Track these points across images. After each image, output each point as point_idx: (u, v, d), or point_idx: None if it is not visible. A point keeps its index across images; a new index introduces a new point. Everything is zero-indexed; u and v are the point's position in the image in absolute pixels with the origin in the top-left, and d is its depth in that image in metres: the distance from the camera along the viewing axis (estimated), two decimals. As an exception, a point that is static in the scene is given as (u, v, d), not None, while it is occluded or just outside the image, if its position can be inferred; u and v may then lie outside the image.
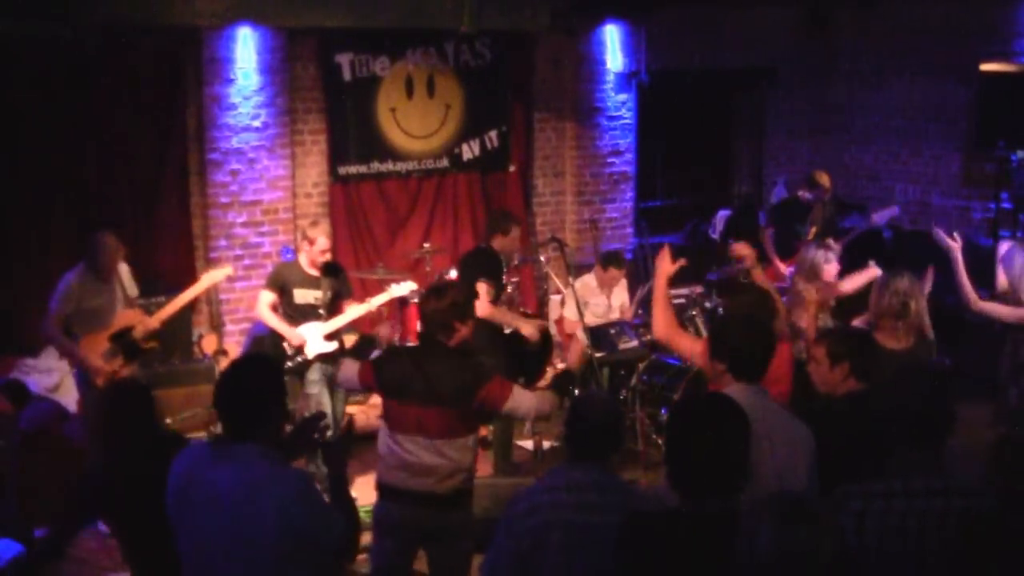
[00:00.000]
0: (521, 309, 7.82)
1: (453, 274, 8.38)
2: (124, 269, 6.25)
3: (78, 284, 5.96)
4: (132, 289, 6.35)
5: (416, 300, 8.38)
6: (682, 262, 4.79)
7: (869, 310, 5.11)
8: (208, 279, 6.69)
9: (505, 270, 6.97)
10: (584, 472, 3.33)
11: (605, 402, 3.64)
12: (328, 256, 6.73)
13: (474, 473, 4.52)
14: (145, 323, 6.09)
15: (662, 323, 4.59)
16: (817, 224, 8.49)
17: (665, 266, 4.69)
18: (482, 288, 6.48)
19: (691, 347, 4.65)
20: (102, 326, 6.02)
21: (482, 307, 6.35)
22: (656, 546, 2.81)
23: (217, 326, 7.75)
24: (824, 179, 8.58)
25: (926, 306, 5.05)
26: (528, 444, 7.19)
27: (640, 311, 7.99)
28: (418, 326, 4.62)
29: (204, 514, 3.13)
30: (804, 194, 8.65)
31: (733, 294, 5.09)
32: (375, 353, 5.87)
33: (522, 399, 4.40)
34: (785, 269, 8.01)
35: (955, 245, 5.84)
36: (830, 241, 5.97)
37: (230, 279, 8.35)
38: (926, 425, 3.17)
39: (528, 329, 6.85)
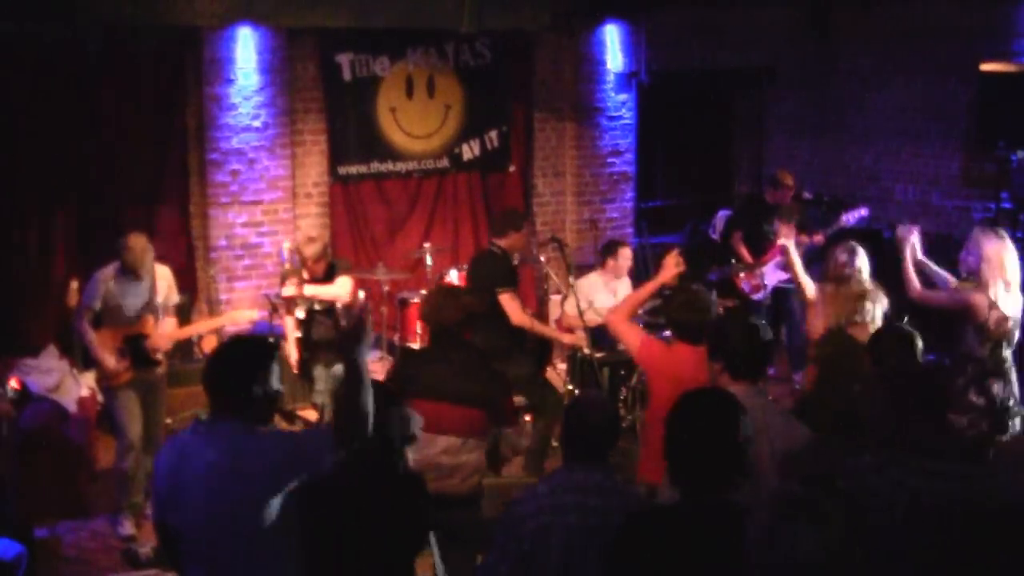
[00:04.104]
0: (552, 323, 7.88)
1: (453, 275, 8.40)
2: (164, 274, 6.21)
3: (105, 281, 5.98)
4: (173, 296, 6.31)
5: (417, 300, 8.41)
6: (682, 269, 4.95)
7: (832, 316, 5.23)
8: (230, 318, 6.80)
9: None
10: (586, 474, 3.32)
11: (602, 403, 3.65)
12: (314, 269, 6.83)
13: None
14: (156, 339, 6.11)
15: (621, 313, 4.86)
16: (785, 223, 8.53)
17: (669, 272, 4.89)
18: (507, 297, 6.31)
19: (634, 340, 4.77)
20: (123, 325, 6.04)
21: (515, 315, 6.32)
22: (656, 541, 2.82)
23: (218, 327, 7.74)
24: (788, 178, 8.70)
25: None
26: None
27: (641, 311, 8.01)
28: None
29: (195, 490, 3.22)
30: (769, 194, 8.75)
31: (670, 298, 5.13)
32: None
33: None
34: (764, 267, 8.30)
35: (909, 237, 5.95)
36: (854, 244, 5.94)
37: (230, 278, 8.38)
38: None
39: (569, 339, 6.85)
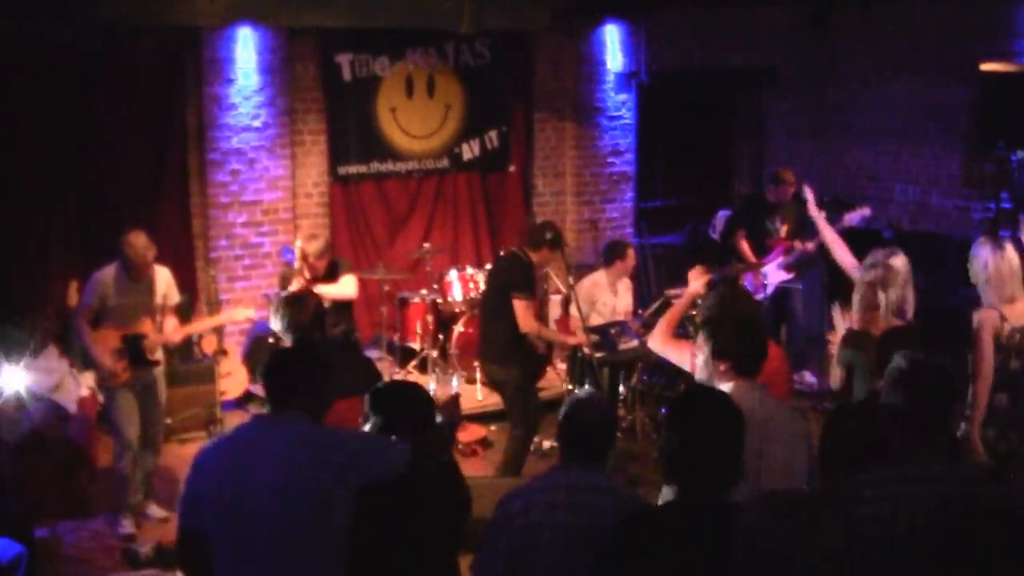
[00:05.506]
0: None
1: (453, 274, 8.40)
2: (164, 275, 6.21)
3: (104, 281, 5.98)
4: (173, 296, 6.31)
5: (417, 300, 8.42)
6: (709, 277, 4.95)
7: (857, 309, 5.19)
8: (227, 316, 6.84)
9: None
10: (582, 474, 3.31)
11: (600, 403, 3.62)
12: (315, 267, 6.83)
13: None
14: (155, 339, 6.10)
15: (662, 334, 4.67)
16: (788, 222, 8.54)
17: (697, 287, 4.86)
18: (521, 304, 6.19)
19: (684, 353, 4.66)
20: (122, 325, 6.03)
21: (525, 322, 6.21)
22: (652, 541, 2.82)
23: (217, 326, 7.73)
24: (789, 175, 8.67)
25: (903, 294, 5.10)
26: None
27: (640, 311, 8.02)
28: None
29: (262, 483, 3.19)
30: (771, 191, 8.74)
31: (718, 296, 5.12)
32: None
33: None
34: (768, 265, 8.30)
35: None
36: (897, 248, 5.87)
37: (230, 278, 8.38)
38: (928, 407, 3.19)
39: (574, 340, 6.83)
